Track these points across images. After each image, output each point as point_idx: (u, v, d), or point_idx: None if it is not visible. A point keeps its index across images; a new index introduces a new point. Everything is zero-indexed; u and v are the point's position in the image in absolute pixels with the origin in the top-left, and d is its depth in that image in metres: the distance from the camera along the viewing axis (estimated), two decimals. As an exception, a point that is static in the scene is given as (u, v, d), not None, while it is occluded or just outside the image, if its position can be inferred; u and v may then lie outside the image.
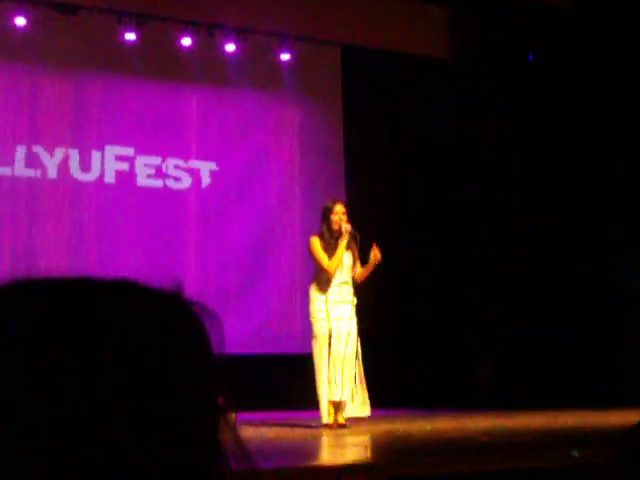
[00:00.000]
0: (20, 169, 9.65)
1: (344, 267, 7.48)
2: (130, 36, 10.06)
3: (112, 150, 10.10)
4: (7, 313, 0.68)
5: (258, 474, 0.77)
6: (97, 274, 0.75)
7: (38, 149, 9.73)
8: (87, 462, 0.63)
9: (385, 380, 10.29)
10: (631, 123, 10.38)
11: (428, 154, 11.29)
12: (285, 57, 10.83)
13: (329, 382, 7.23)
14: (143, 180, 10.23)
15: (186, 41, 10.35)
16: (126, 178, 10.14)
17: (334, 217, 7.42)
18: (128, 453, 0.64)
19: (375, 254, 7.47)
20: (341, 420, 7.31)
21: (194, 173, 10.46)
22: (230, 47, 10.56)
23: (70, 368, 0.64)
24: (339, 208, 7.50)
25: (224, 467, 0.73)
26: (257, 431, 6.69)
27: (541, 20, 10.95)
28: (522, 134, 11.22)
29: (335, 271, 7.37)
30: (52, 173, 9.79)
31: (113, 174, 10.09)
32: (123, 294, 0.72)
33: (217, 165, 10.56)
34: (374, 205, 10.94)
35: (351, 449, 6.08)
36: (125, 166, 10.16)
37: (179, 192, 10.37)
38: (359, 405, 7.47)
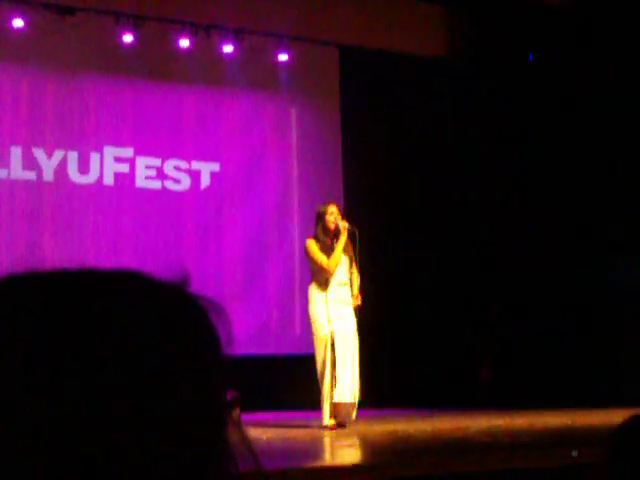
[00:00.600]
0: (17, 172, 9.64)
1: (342, 268, 7.47)
2: (128, 37, 10.07)
3: (111, 152, 10.09)
4: (5, 311, 0.68)
5: (266, 475, 0.77)
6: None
7: (35, 151, 9.73)
8: (87, 462, 0.62)
9: (385, 380, 10.30)
10: (631, 123, 10.37)
11: (427, 154, 11.30)
12: (283, 58, 10.84)
13: (331, 384, 7.22)
14: (142, 182, 10.23)
15: (184, 42, 10.37)
16: (125, 180, 10.14)
17: (329, 217, 7.45)
18: (128, 453, 0.64)
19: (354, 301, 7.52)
20: (341, 421, 7.30)
21: (193, 174, 10.46)
22: (228, 48, 10.56)
23: (70, 368, 0.64)
24: (332, 208, 7.54)
25: (230, 467, 0.72)
26: (257, 432, 6.68)
27: (541, 20, 10.94)
28: (522, 134, 11.21)
29: (335, 270, 7.38)
30: (49, 176, 9.78)
31: (112, 176, 10.08)
32: (124, 291, 0.71)
33: (216, 166, 10.56)
34: (372, 205, 10.94)
35: (351, 450, 6.08)
36: (124, 168, 10.16)
37: (178, 194, 10.36)
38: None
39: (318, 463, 5.14)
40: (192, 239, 10.28)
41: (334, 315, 7.32)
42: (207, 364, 0.72)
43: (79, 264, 0.75)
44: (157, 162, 10.32)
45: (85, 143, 9.99)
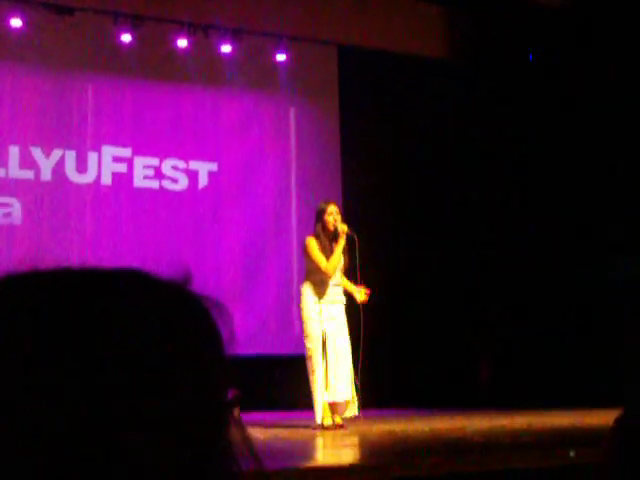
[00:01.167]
0: (15, 171, 9.64)
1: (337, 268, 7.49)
2: (126, 37, 10.11)
3: (109, 151, 10.10)
4: (5, 311, 0.68)
5: (267, 475, 0.77)
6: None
7: (33, 150, 9.73)
8: (87, 462, 0.63)
9: (385, 380, 10.30)
10: (631, 123, 10.37)
11: (426, 154, 11.31)
12: (281, 57, 10.87)
13: (325, 383, 7.22)
14: (140, 181, 10.23)
15: (182, 42, 10.40)
16: (123, 180, 10.14)
17: (328, 218, 7.44)
18: (128, 453, 0.64)
19: (359, 296, 7.50)
20: (338, 421, 7.30)
21: (191, 174, 10.47)
22: (226, 48, 10.59)
23: (70, 368, 0.64)
24: (332, 208, 7.52)
25: (231, 467, 0.72)
26: (255, 431, 6.68)
27: (541, 20, 10.94)
28: (522, 134, 11.22)
29: (334, 273, 7.37)
30: (47, 175, 9.78)
31: (110, 175, 10.08)
32: (124, 290, 0.71)
33: (214, 166, 10.58)
34: (371, 205, 10.96)
35: (350, 450, 6.08)
36: (122, 167, 10.16)
37: (176, 193, 10.37)
38: (351, 404, 7.48)
39: (318, 463, 5.15)
40: (190, 239, 10.28)
41: (326, 315, 7.34)
42: (208, 363, 0.72)
43: (78, 263, 0.74)
44: (155, 162, 10.34)
45: (83, 142, 10.01)
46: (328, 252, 7.39)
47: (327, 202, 7.70)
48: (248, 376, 9.23)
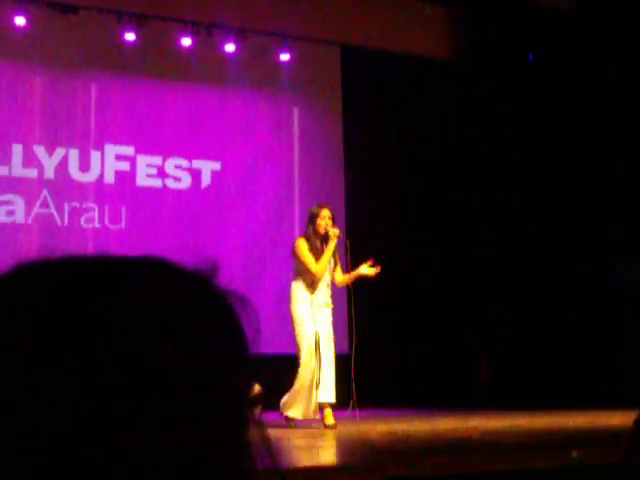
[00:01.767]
0: (18, 169, 9.65)
1: (327, 270, 7.53)
2: (130, 36, 10.08)
3: (112, 150, 10.11)
4: (6, 309, 0.67)
5: (283, 474, 0.76)
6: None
7: (36, 148, 9.73)
8: (87, 462, 0.62)
9: (385, 380, 10.30)
10: (631, 123, 10.38)
11: (427, 154, 11.30)
12: (285, 57, 10.84)
13: (318, 384, 7.27)
14: (143, 180, 10.24)
15: (186, 41, 10.37)
16: (126, 178, 10.15)
17: (320, 222, 7.50)
18: (128, 453, 0.63)
19: (369, 270, 7.52)
20: (331, 421, 7.33)
21: (194, 173, 10.47)
22: (230, 47, 10.56)
23: (70, 368, 0.63)
24: (325, 213, 7.57)
25: (245, 466, 0.71)
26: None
27: (542, 20, 10.95)
28: (522, 134, 11.22)
29: (322, 275, 7.42)
30: (50, 173, 9.79)
31: (113, 174, 10.10)
32: (135, 283, 0.70)
33: (217, 165, 10.57)
34: (373, 205, 10.96)
35: (350, 449, 6.07)
36: (125, 166, 10.17)
37: (179, 192, 10.38)
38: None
39: (317, 463, 5.15)
40: (192, 238, 10.28)
41: (318, 317, 7.39)
42: (219, 361, 0.70)
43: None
44: (158, 160, 10.33)
45: (86, 141, 9.99)
46: (319, 254, 7.44)
47: (321, 206, 7.75)
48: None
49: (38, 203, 9.67)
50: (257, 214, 10.53)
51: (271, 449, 0.74)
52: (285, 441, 6.35)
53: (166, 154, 10.36)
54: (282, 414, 7.36)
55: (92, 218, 9.88)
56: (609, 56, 10.50)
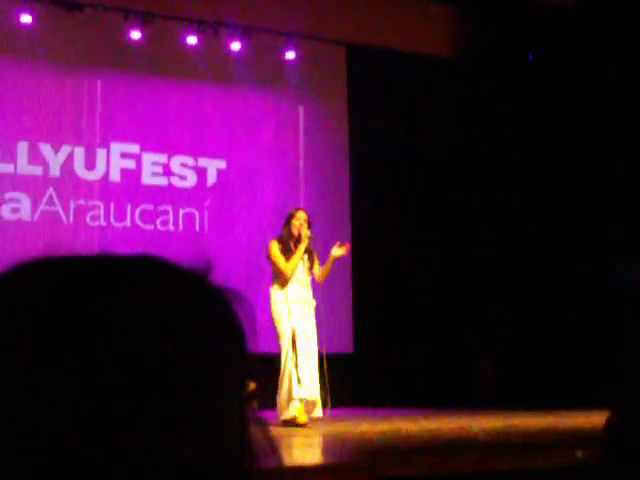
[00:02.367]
0: (23, 167, 9.70)
1: (304, 270, 7.64)
2: (136, 34, 10.08)
3: (117, 148, 10.14)
4: (6, 309, 0.68)
5: (282, 473, 0.78)
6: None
7: (42, 146, 9.76)
8: (87, 462, 0.62)
9: (385, 380, 10.34)
10: (631, 123, 10.39)
11: (432, 153, 11.32)
12: (290, 55, 10.85)
13: (298, 381, 7.33)
14: (148, 178, 10.27)
15: (192, 39, 10.38)
16: (131, 176, 10.18)
17: (295, 222, 7.64)
18: (128, 453, 0.63)
19: (339, 251, 7.62)
20: (304, 419, 7.39)
21: (199, 171, 10.50)
22: (235, 45, 10.58)
23: (70, 368, 0.64)
24: (300, 215, 7.72)
25: (246, 465, 0.71)
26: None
27: (544, 20, 10.96)
28: (522, 134, 11.24)
29: (292, 274, 7.53)
30: (55, 171, 9.83)
31: (118, 172, 10.14)
32: (134, 282, 0.70)
33: (222, 163, 10.59)
34: (378, 203, 10.98)
35: (350, 449, 6.07)
36: (130, 164, 10.20)
37: (184, 190, 10.40)
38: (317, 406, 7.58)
39: (317, 462, 5.16)
40: (198, 235, 10.32)
41: (295, 314, 7.48)
42: (219, 360, 0.70)
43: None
44: (164, 159, 10.35)
45: (92, 139, 10.00)
46: (291, 254, 7.60)
47: (297, 209, 7.97)
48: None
49: (44, 201, 9.69)
50: (262, 212, 10.55)
51: (273, 447, 0.74)
52: (281, 440, 6.37)
53: (171, 152, 10.37)
54: (280, 420, 7.35)
55: (97, 216, 9.91)
56: (609, 56, 10.51)
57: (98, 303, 0.67)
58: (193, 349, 0.69)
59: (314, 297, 7.72)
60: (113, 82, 10.13)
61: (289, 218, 7.76)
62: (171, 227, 10.20)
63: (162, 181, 10.31)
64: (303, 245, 7.57)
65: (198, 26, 10.42)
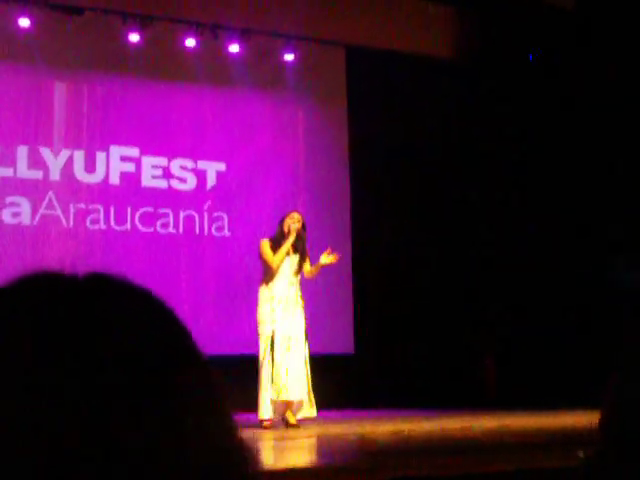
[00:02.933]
0: (23, 171, 9.70)
1: (292, 268, 7.65)
2: (134, 37, 10.07)
3: (117, 151, 10.14)
4: (7, 312, 0.68)
5: (271, 475, 0.79)
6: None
7: (42, 150, 9.75)
8: (87, 462, 0.62)
9: (386, 380, 10.35)
10: (631, 123, 10.40)
11: (431, 153, 11.32)
12: (289, 58, 10.84)
13: (272, 381, 7.33)
14: (148, 181, 10.27)
15: (190, 42, 10.37)
16: (131, 179, 10.18)
17: (288, 221, 7.69)
18: (128, 453, 0.63)
19: (328, 259, 7.66)
20: (293, 420, 7.40)
21: (199, 174, 10.50)
22: (234, 48, 10.56)
23: (70, 368, 0.64)
24: (295, 215, 7.79)
25: (242, 466, 0.72)
26: (251, 432, 6.68)
27: (544, 20, 10.96)
28: (522, 134, 11.25)
29: (278, 267, 7.52)
30: (55, 175, 9.83)
31: (118, 175, 10.14)
32: (122, 292, 0.71)
33: (222, 166, 10.58)
34: (378, 204, 10.99)
35: (351, 450, 6.07)
36: (130, 167, 10.20)
37: (184, 193, 10.40)
38: (306, 406, 7.56)
39: (318, 462, 5.16)
40: (197, 237, 10.32)
41: (279, 314, 7.48)
42: (203, 363, 0.72)
43: (86, 263, 0.75)
44: (163, 161, 10.35)
45: (91, 142, 9.99)
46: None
47: (293, 210, 8.04)
48: (249, 375, 9.26)
49: (44, 205, 9.69)
50: (262, 215, 10.55)
51: (252, 451, 0.74)
52: (284, 442, 6.37)
53: (171, 155, 10.36)
54: (262, 421, 7.37)
55: (97, 219, 9.90)
56: (609, 56, 10.52)
57: (98, 303, 0.68)
58: (193, 349, 0.70)
59: (302, 297, 7.71)
60: (112, 85, 10.12)
61: (283, 217, 7.82)
62: (171, 230, 10.20)
63: (162, 184, 10.30)
64: (291, 238, 7.60)
65: (197, 29, 10.41)
